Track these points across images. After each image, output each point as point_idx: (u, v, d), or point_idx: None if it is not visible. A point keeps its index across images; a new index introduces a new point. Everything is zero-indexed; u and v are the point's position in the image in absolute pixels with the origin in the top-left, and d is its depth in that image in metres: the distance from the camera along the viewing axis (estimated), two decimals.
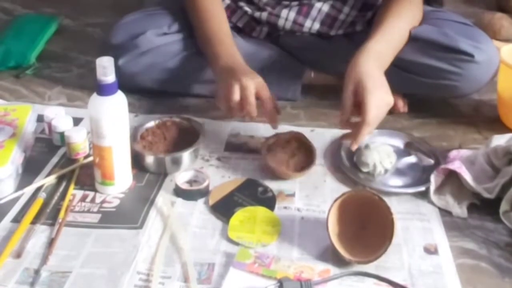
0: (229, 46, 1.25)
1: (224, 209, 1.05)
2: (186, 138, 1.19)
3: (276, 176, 1.13)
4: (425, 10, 1.34)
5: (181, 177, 1.11)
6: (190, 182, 1.12)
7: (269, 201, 1.08)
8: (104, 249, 0.95)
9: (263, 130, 1.27)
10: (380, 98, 1.09)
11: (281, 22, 1.43)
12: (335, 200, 0.98)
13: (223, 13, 1.33)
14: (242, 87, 1.13)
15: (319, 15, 1.43)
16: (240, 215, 1.03)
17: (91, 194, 1.07)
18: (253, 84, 1.13)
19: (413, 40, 1.27)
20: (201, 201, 1.07)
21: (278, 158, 1.15)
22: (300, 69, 1.44)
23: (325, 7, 1.43)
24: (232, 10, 1.46)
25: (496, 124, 1.35)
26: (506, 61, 1.29)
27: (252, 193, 1.09)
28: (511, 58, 1.30)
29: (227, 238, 0.98)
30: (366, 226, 0.98)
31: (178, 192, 1.08)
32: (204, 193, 1.08)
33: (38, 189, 1.08)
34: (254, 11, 1.44)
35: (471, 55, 1.27)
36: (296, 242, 0.98)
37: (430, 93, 1.35)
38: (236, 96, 1.12)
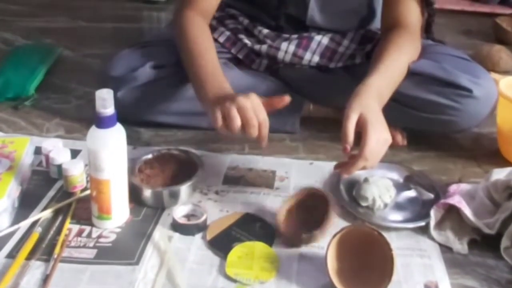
0: (219, 79, 1.20)
1: (221, 244, 1.03)
2: (184, 171, 1.19)
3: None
4: (423, 44, 1.34)
5: (179, 211, 1.10)
6: (188, 216, 1.11)
7: (267, 236, 1.06)
8: (100, 286, 0.94)
9: (262, 163, 1.27)
10: (380, 133, 1.07)
11: (280, 55, 1.43)
12: (334, 236, 0.96)
13: (213, 47, 1.29)
14: (240, 107, 1.07)
15: (319, 48, 1.43)
16: (238, 251, 1.01)
17: (87, 228, 1.06)
18: (249, 103, 1.08)
19: (412, 74, 1.27)
20: (198, 236, 1.06)
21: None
22: (299, 101, 1.44)
23: (325, 40, 1.43)
24: (232, 42, 1.47)
25: (496, 158, 1.35)
26: (505, 94, 1.29)
27: (250, 228, 1.08)
28: (509, 91, 1.30)
29: (225, 275, 0.97)
30: (365, 262, 0.97)
31: (176, 226, 1.07)
32: (202, 227, 1.07)
33: (34, 223, 1.06)
34: (254, 44, 1.45)
35: (470, 90, 1.27)
36: (295, 279, 0.97)
37: (429, 127, 1.34)
38: (237, 121, 1.07)
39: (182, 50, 1.30)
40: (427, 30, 1.41)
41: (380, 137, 1.07)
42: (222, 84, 1.19)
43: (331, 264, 0.95)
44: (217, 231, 1.07)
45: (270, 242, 1.05)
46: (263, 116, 1.10)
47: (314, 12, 1.42)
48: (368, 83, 1.15)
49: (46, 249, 1.00)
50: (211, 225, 1.08)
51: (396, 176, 1.24)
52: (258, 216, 1.11)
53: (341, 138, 1.07)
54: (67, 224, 1.06)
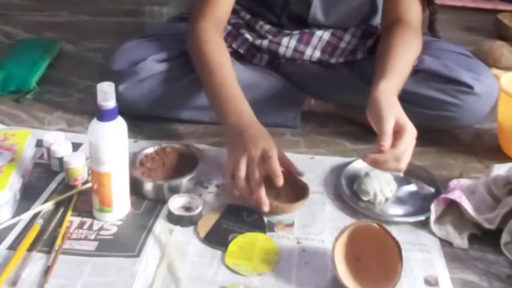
0: (238, 102, 1.17)
1: (217, 238, 1.03)
2: (185, 164, 1.19)
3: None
4: (424, 40, 1.34)
5: (175, 202, 1.10)
6: (184, 208, 1.10)
7: (258, 223, 1.07)
8: (101, 278, 0.94)
9: None
10: (413, 138, 1.08)
11: (282, 50, 1.43)
12: (341, 232, 0.95)
13: (230, 64, 1.25)
14: (250, 158, 1.05)
15: (320, 43, 1.43)
16: (239, 241, 1.02)
17: (88, 221, 1.06)
18: (260, 153, 1.05)
19: (413, 71, 1.27)
20: None
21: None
22: (300, 96, 1.44)
23: (326, 35, 1.43)
24: (233, 37, 1.46)
25: (497, 153, 1.35)
26: (506, 89, 1.29)
27: (239, 218, 1.08)
28: (511, 87, 1.30)
29: (225, 267, 0.97)
30: (373, 260, 0.96)
31: (170, 217, 1.07)
32: (196, 220, 1.07)
33: (35, 216, 1.07)
34: (255, 39, 1.45)
35: (471, 87, 1.27)
36: (295, 273, 0.97)
37: (429, 124, 1.34)
38: (242, 173, 1.05)
39: (198, 66, 1.27)
40: (430, 28, 1.41)
41: (413, 141, 1.08)
42: (242, 107, 1.16)
43: (338, 261, 0.94)
44: (208, 227, 1.06)
45: (262, 228, 1.06)
46: (275, 166, 1.05)
47: (316, 10, 1.42)
48: (388, 81, 1.15)
49: (47, 241, 1.01)
50: (199, 223, 1.07)
51: None
52: (242, 206, 1.11)
53: (379, 138, 1.06)
54: (69, 217, 1.07)
